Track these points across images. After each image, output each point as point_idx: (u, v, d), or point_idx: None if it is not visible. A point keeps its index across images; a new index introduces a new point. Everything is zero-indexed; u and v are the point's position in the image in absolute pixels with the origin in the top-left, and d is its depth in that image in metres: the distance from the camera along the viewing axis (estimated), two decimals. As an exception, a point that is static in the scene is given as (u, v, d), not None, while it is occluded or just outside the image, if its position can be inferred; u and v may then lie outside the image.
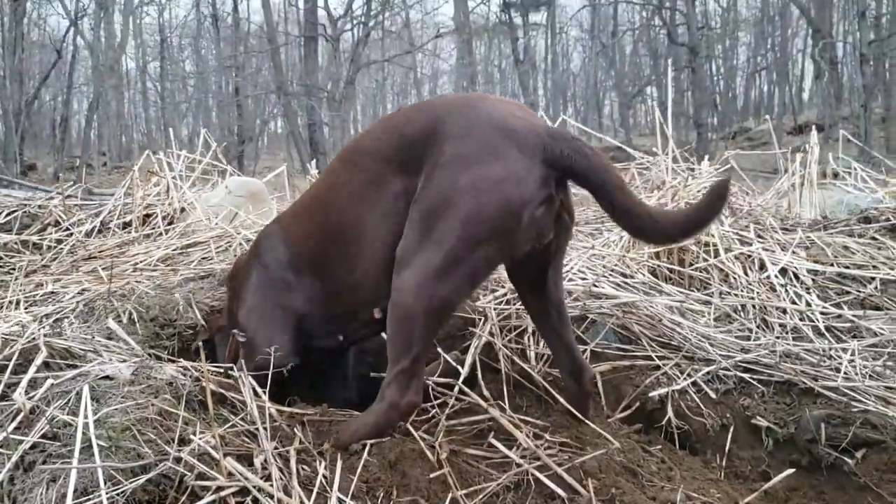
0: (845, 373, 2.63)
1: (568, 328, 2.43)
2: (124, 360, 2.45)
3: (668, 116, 4.09)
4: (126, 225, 4.49)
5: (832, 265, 3.47)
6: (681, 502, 2.15)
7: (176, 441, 2.11)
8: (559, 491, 2.13)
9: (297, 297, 2.62)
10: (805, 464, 2.48)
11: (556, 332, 2.42)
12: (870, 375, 2.66)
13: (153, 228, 4.41)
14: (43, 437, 2.11)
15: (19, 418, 2.15)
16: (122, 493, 1.96)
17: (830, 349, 2.80)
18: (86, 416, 2.10)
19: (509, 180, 2.04)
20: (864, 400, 2.51)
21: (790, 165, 5.08)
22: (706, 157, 4.87)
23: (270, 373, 2.44)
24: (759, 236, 3.68)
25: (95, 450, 2.01)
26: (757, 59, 38.31)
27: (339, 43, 28.10)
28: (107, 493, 1.93)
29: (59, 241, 4.19)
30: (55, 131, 30.00)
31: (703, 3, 33.05)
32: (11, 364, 2.37)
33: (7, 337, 2.49)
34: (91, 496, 1.94)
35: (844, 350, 2.78)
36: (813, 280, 3.38)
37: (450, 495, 2.13)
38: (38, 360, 2.34)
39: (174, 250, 3.92)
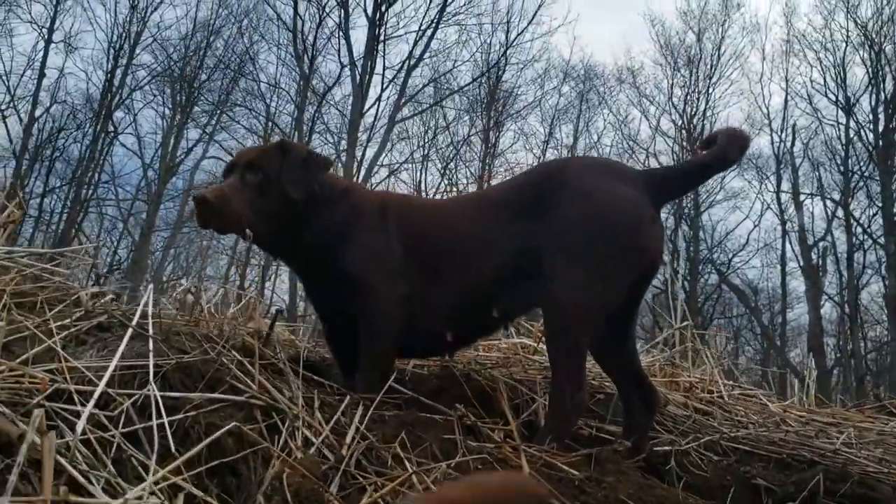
0: (842, 444, 2.74)
1: (639, 358, 2.90)
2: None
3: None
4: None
5: (830, 417, 3.62)
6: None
7: (217, 350, 2.27)
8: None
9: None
10: (805, 519, 2.52)
11: (630, 359, 2.82)
12: (863, 445, 2.76)
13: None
14: (99, 327, 2.29)
15: (80, 312, 2.33)
16: (164, 364, 2.10)
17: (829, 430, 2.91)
18: (144, 311, 2.28)
19: (626, 201, 2.65)
20: (859, 461, 2.61)
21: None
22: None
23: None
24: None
25: (150, 327, 2.18)
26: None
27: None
28: (153, 362, 2.08)
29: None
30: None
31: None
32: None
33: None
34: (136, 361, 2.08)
35: (840, 432, 2.89)
36: (812, 421, 3.51)
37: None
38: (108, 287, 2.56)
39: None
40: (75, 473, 1.70)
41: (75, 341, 2.20)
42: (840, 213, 26.88)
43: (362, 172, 25.04)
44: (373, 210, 2.88)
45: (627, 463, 2.43)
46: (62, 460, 1.70)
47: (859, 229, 26.33)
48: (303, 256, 2.89)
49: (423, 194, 27.91)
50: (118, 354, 2.02)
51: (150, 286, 2.32)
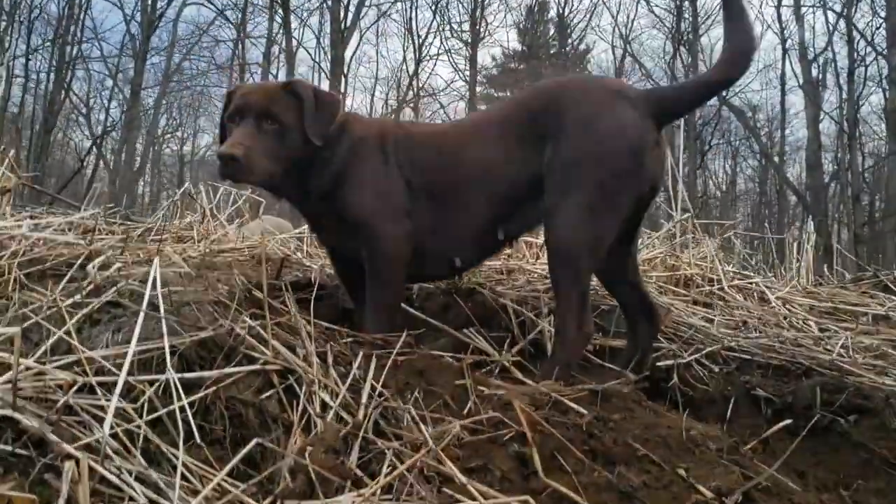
0: (838, 353, 2.84)
1: (641, 277, 2.94)
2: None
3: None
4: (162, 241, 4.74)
5: (828, 301, 3.72)
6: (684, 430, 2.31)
7: (230, 319, 2.31)
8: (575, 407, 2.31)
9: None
10: (803, 429, 2.63)
11: (632, 279, 2.87)
12: (859, 350, 2.86)
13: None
14: (110, 303, 2.32)
15: (90, 287, 2.36)
16: (180, 343, 2.15)
17: (826, 335, 3.01)
18: (154, 289, 2.29)
19: (628, 128, 2.58)
20: (855, 372, 2.71)
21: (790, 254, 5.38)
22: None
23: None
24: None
25: (161, 305, 2.21)
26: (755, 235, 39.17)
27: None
28: (168, 343, 2.12)
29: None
30: (67, 239, 30.27)
31: (703, 175, 34.26)
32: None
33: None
34: (152, 343, 2.12)
35: (838, 334, 2.99)
36: (811, 309, 3.61)
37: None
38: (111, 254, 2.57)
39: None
40: (107, 474, 1.78)
41: (89, 321, 2.24)
42: (842, 25, 26.20)
43: (350, 16, 24.23)
44: (373, 144, 2.83)
45: (633, 394, 2.52)
46: (93, 463, 1.78)
47: (861, 43, 25.73)
48: (306, 198, 2.86)
49: (416, 35, 27.14)
50: (134, 340, 2.06)
51: (157, 261, 2.33)
